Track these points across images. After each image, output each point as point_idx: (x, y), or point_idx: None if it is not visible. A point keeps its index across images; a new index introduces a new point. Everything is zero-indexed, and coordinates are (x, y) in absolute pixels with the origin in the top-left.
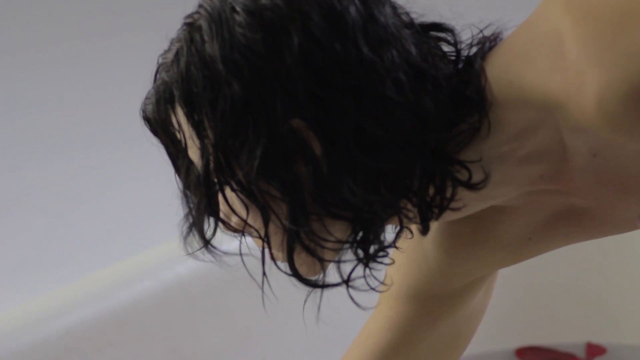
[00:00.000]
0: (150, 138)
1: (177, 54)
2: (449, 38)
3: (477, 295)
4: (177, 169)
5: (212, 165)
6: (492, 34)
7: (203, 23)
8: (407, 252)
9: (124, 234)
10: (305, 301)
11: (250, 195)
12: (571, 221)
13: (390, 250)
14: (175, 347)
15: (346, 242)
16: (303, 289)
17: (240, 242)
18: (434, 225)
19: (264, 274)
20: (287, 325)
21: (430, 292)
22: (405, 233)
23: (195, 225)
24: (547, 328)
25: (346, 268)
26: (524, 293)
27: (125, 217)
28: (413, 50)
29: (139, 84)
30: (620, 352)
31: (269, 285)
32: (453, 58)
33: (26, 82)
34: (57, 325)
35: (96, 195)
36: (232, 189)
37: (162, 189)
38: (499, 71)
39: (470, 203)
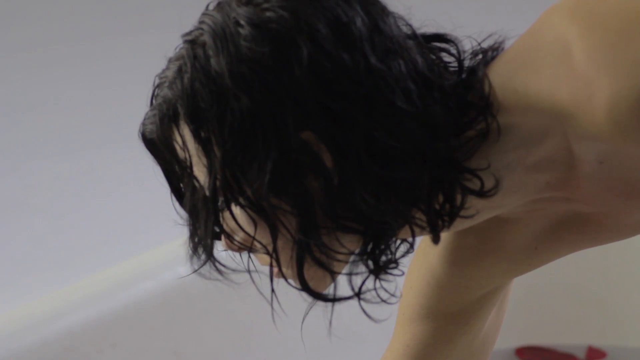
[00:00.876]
0: None
1: (179, 70)
2: (451, 48)
3: (491, 312)
4: (175, 189)
5: (219, 182)
6: (494, 43)
7: (207, 38)
8: (415, 272)
9: (125, 235)
10: (307, 313)
11: (259, 210)
12: (576, 229)
13: (401, 262)
14: (176, 348)
15: (357, 253)
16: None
17: (249, 258)
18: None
19: (273, 290)
20: (288, 326)
21: (443, 310)
22: (409, 249)
23: (203, 243)
24: (547, 329)
25: (356, 281)
26: (525, 293)
27: (126, 218)
28: (419, 60)
29: (140, 85)
30: (620, 355)
31: (275, 296)
32: (455, 68)
33: (26, 83)
34: (58, 326)
35: (97, 196)
36: (241, 205)
37: (163, 191)
38: (503, 79)
39: (481, 211)
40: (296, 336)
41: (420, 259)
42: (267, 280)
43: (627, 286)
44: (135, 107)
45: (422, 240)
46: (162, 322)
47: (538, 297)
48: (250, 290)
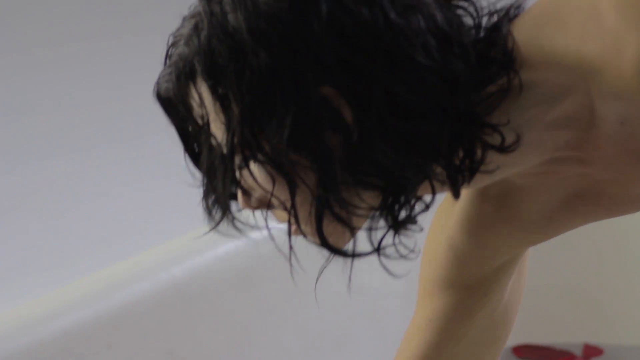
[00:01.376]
0: (147, 140)
1: (195, 27)
2: (469, 7)
3: (508, 283)
4: (190, 150)
5: (237, 139)
6: (516, 1)
7: None
8: (434, 246)
9: (120, 236)
10: (323, 269)
11: (278, 166)
12: (590, 200)
13: (421, 218)
14: (171, 348)
15: (377, 209)
16: (300, 288)
17: (266, 216)
18: (456, 209)
19: (290, 247)
20: (283, 326)
21: (463, 282)
22: (426, 206)
23: (220, 201)
24: (544, 328)
25: (375, 238)
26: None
27: (122, 219)
28: (438, 15)
29: (137, 86)
30: (616, 352)
31: (294, 253)
32: (474, 26)
33: (24, 83)
34: (54, 327)
35: (92, 197)
36: (259, 162)
37: (159, 191)
38: (527, 36)
39: (501, 167)
40: (291, 336)
41: (437, 232)
42: (269, 280)
43: (623, 286)
44: (130, 109)
45: (437, 213)
46: (157, 323)
47: (535, 297)
48: (247, 290)
